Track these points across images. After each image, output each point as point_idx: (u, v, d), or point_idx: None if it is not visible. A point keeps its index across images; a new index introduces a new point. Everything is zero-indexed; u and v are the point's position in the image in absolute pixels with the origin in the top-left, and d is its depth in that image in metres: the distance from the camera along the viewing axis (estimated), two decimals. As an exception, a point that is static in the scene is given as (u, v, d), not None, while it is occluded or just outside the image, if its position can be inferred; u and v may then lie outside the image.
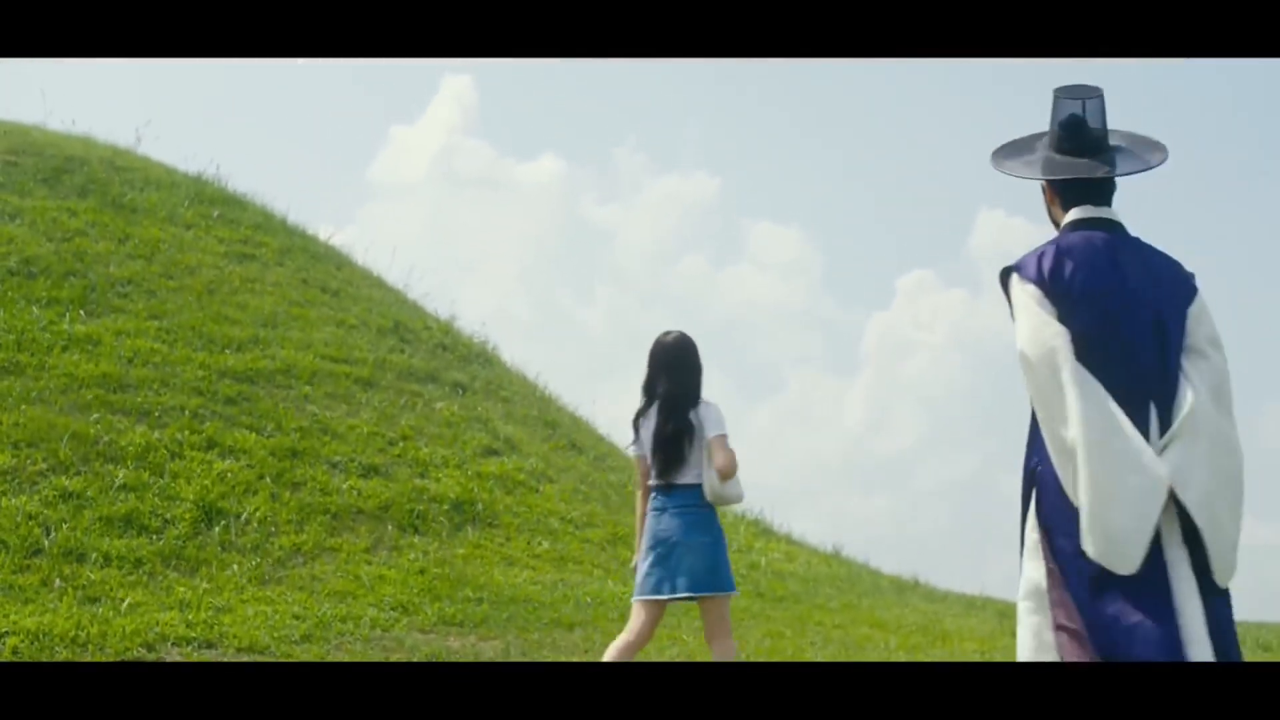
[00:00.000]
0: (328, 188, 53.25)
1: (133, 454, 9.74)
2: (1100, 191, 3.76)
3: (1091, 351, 3.48)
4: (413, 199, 56.98)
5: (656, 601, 5.86)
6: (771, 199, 58.78)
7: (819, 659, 8.42)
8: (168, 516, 9.20)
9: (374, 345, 13.67)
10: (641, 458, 6.02)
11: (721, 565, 5.86)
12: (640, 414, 6.03)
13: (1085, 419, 3.39)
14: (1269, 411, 46.20)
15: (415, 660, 7.69)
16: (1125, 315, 3.53)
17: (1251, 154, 52.01)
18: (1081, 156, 3.78)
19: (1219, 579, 3.43)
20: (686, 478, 5.88)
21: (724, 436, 5.89)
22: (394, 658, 7.73)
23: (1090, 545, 3.39)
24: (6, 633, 7.04)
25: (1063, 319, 3.53)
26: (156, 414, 10.42)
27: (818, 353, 52.88)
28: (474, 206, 55.94)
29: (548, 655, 8.03)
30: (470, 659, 7.87)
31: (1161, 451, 3.44)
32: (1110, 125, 3.86)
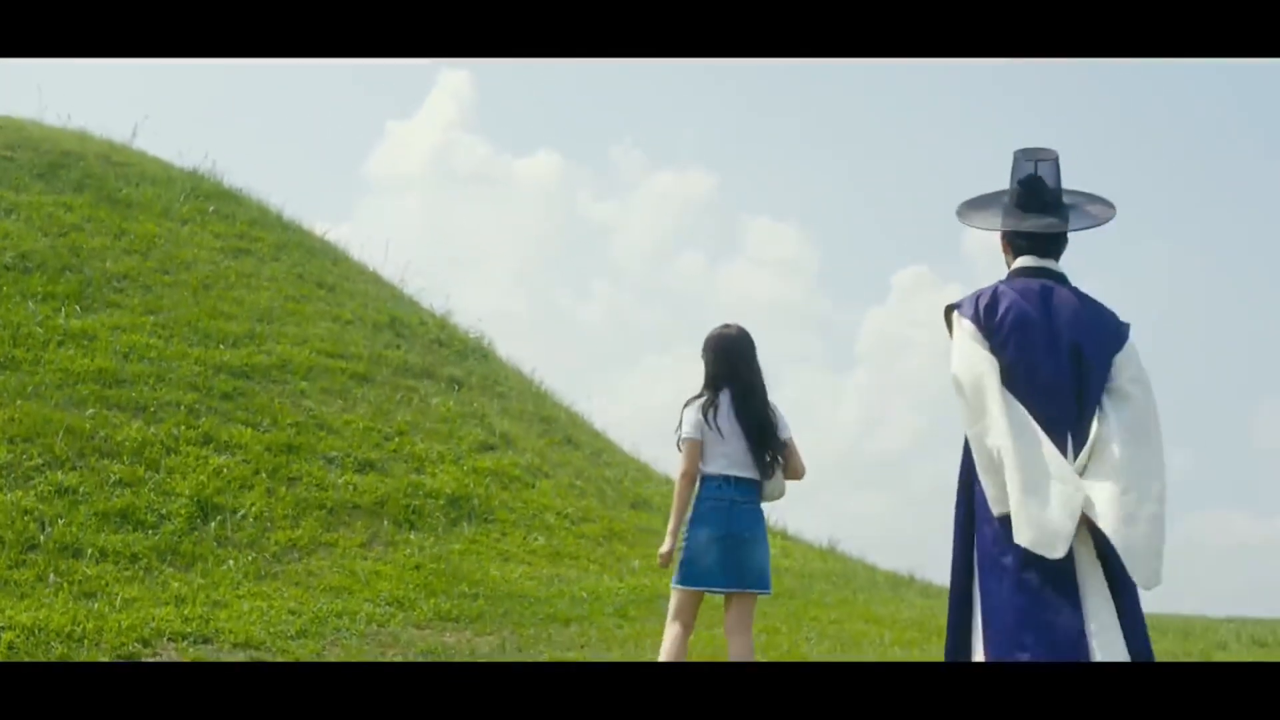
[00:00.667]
0: (324, 183, 53.17)
1: (128, 449, 9.74)
2: (1049, 245, 4.18)
3: (1016, 382, 3.93)
4: (409, 194, 56.94)
5: (701, 591, 5.89)
6: (768, 195, 58.77)
7: (814, 654, 8.43)
8: (163, 512, 9.20)
9: (370, 340, 13.67)
10: (697, 444, 5.91)
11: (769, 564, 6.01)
12: (709, 403, 5.93)
13: (1013, 430, 3.83)
14: (1265, 410, 46.31)
15: (411, 655, 7.70)
16: (1048, 354, 3.97)
17: (1250, 153, 52.10)
18: (1037, 213, 4.19)
19: (1145, 585, 3.79)
20: (758, 474, 5.92)
21: (792, 439, 6.02)
22: (390, 653, 7.74)
23: (1025, 536, 3.76)
24: (2, 628, 7.04)
25: (993, 351, 3.98)
26: (152, 409, 10.41)
27: (814, 349, 52.87)
28: (471, 202, 55.88)
29: (544, 650, 8.04)
30: (466, 654, 7.87)
31: (1078, 473, 3.86)
32: (1067, 183, 4.22)
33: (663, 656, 5.86)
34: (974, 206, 4.35)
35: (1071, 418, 3.92)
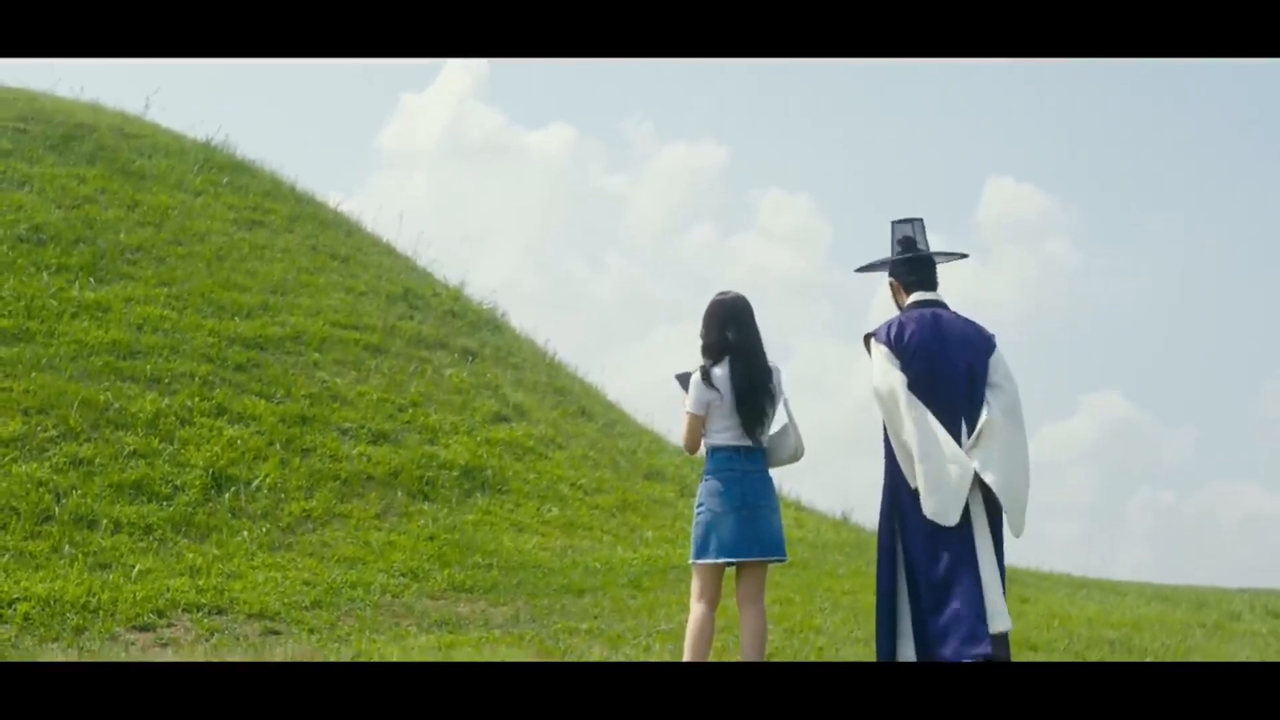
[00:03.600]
0: (337, 155, 53.12)
1: (143, 421, 9.77)
2: (930, 280, 5.68)
3: (922, 388, 5.35)
4: (422, 166, 56.86)
5: (722, 564, 5.87)
6: (780, 167, 58.58)
7: (828, 625, 8.44)
8: (178, 483, 9.24)
9: (383, 312, 13.67)
10: (699, 419, 5.86)
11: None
12: (707, 374, 5.85)
13: (919, 430, 5.28)
14: (1276, 382, 46.20)
15: (425, 625, 7.73)
16: (944, 364, 5.40)
17: (1248, 148, 51.95)
18: (914, 256, 5.70)
19: (1015, 533, 5.32)
20: (764, 440, 5.90)
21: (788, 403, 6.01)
22: (404, 624, 7.77)
23: (927, 508, 5.26)
24: (18, 599, 7.08)
25: (902, 368, 5.38)
26: (166, 381, 10.44)
27: (827, 320, 52.78)
28: (483, 174, 55.78)
29: (557, 621, 8.06)
30: (480, 625, 7.90)
31: (970, 450, 5.28)
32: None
33: (688, 639, 5.82)
34: (866, 267, 5.86)
35: (964, 409, 5.35)
